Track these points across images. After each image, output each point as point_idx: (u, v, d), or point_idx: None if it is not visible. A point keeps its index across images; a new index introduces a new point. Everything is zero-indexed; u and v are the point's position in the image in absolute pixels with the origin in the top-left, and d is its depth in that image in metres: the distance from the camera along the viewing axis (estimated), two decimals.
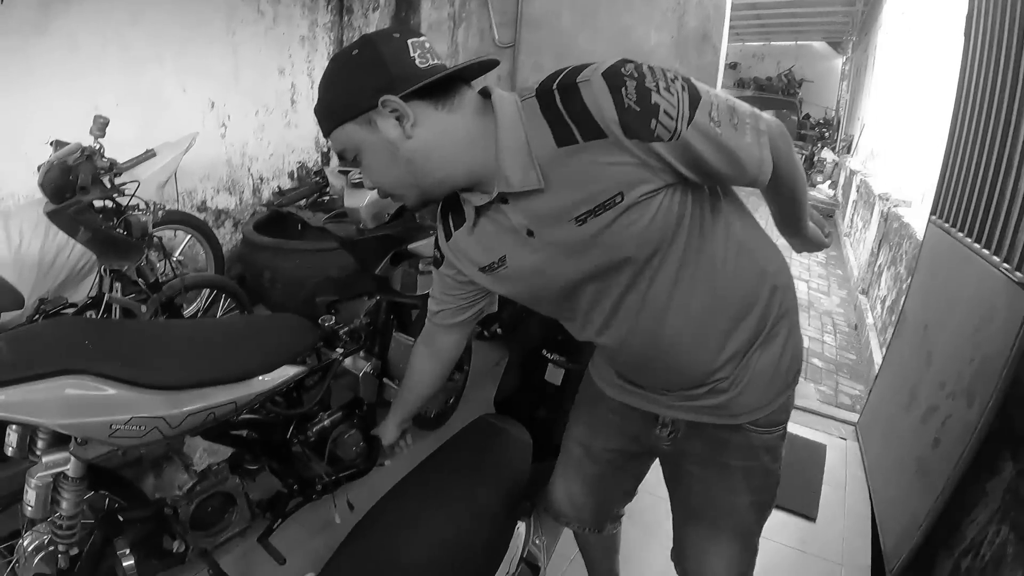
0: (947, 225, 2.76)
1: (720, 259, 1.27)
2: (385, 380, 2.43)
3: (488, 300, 1.51)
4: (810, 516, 2.72)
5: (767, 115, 1.21)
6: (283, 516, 2.23)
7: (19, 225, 2.77)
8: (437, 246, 1.44)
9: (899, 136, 6.53)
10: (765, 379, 1.38)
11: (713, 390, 1.37)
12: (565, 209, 1.15)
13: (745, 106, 1.17)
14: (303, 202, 3.67)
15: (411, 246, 2.28)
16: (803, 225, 1.46)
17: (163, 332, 1.95)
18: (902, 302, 3.40)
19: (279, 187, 4.34)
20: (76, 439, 1.63)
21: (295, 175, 4.59)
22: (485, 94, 1.21)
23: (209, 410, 1.77)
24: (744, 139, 1.14)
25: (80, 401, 1.57)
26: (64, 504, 1.70)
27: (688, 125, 1.07)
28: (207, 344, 1.92)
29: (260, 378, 1.90)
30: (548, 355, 2.40)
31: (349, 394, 2.43)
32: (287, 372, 1.98)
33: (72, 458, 1.66)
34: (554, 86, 1.11)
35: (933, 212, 2.95)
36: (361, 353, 2.38)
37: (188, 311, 3.46)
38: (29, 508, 1.66)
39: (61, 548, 1.75)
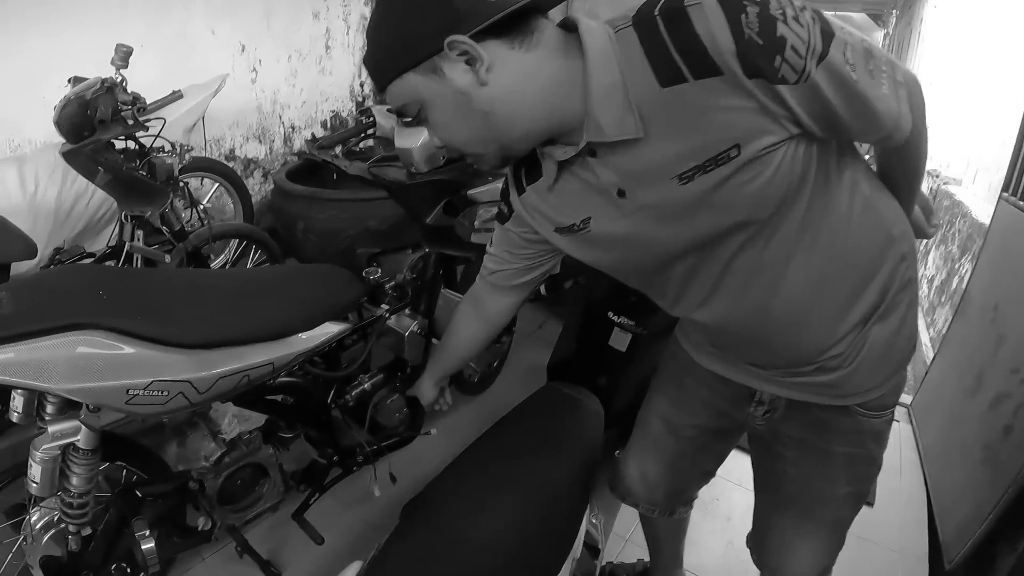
0: (1022, 203, 2.57)
1: (844, 220, 1.06)
2: (435, 342, 2.15)
3: (555, 262, 1.33)
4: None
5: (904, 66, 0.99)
6: (321, 490, 1.98)
7: (34, 170, 2.54)
8: (505, 199, 1.25)
9: (947, 114, 6.14)
10: (880, 357, 1.18)
11: (822, 367, 1.17)
12: (667, 164, 0.95)
13: (882, 51, 0.94)
14: (338, 149, 3.36)
15: (471, 192, 1.98)
16: (912, 205, 1.22)
17: (190, 282, 1.67)
18: (960, 282, 3.22)
19: (313, 134, 4.03)
20: (87, 406, 1.38)
21: (328, 124, 4.28)
22: (569, 27, 0.99)
23: (243, 372, 1.49)
24: (881, 88, 0.93)
25: (92, 361, 1.29)
26: (74, 479, 1.45)
27: (818, 65, 0.86)
28: (241, 297, 1.64)
29: (300, 336, 1.62)
30: (615, 318, 2.11)
31: (390, 355, 2.16)
32: (330, 329, 1.69)
33: (83, 427, 1.40)
34: (656, 12, 0.89)
35: (1005, 189, 2.73)
36: (407, 311, 2.10)
37: (215, 263, 3.17)
38: (34, 484, 1.41)
39: (72, 528, 1.50)
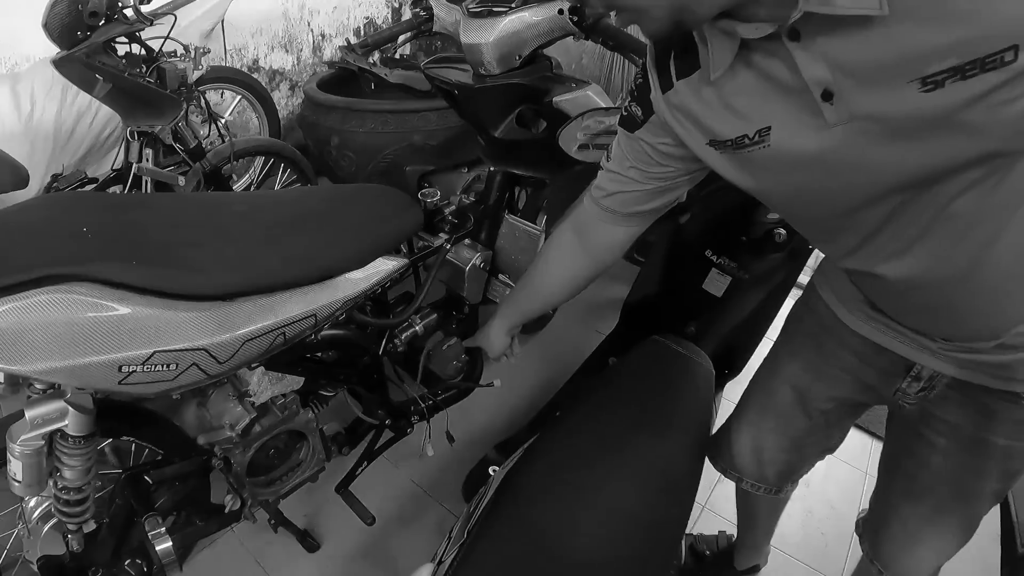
0: None
1: None
2: (500, 277, 1.73)
3: (691, 186, 1.05)
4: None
5: None
6: (370, 457, 1.60)
7: (30, 88, 2.13)
8: (638, 98, 0.95)
9: None
10: None
11: (1006, 345, 0.91)
12: (910, 59, 0.65)
13: None
14: (375, 57, 2.88)
15: (557, 99, 1.52)
16: None
17: (204, 211, 1.23)
18: None
19: (347, 40, 3.48)
20: None
21: (361, 32, 3.71)
22: None
23: (277, 330, 1.09)
24: None
25: (71, 329, 0.89)
26: (66, 472, 1.07)
27: None
28: (271, 228, 1.22)
29: (348, 276, 1.22)
30: (714, 258, 1.68)
31: (442, 291, 1.76)
32: (384, 266, 1.28)
33: (71, 409, 1.01)
34: None
35: None
36: (466, 241, 1.68)
37: (238, 185, 2.73)
38: (16, 484, 1.04)
39: (71, 526, 1.14)
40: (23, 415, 1.00)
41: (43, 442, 1.02)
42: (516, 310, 1.42)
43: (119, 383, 0.94)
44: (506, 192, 1.74)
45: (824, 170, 0.77)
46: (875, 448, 1.23)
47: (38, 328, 0.87)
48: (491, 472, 1.64)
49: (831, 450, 1.29)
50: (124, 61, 1.91)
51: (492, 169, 1.70)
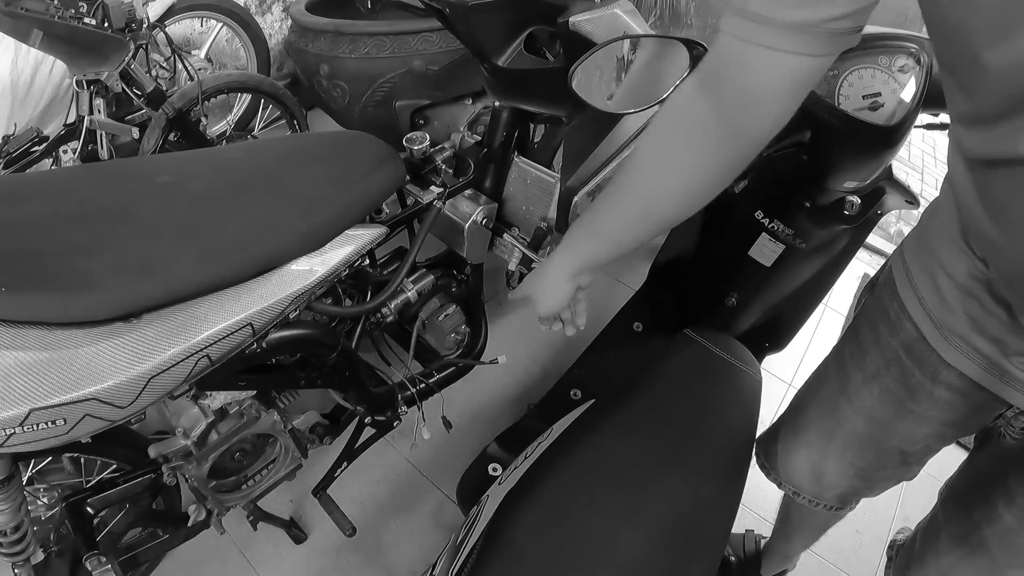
0: None
1: None
2: (507, 236, 1.44)
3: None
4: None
5: None
6: (350, 458, 1.36)
7: None
8: None
9: None
10: None
11: None
12: None
13: None
14: None
15: (575, 19, 1.15)
16: None
17: (114, 191, 0.94)
18: None
19: None
20: None
21: None
22: None
23: (197, 354, 0.82)
24: None
25: None
26: None
27: None
28: (198, 205, 0.93)
29: (297, 265, 0.94)
30: (765, 222, 1.35)
31: (437, 246, 1.48)
32: (349, 243, 1.00)
33: None
34: None
35: None
36: (467, 191, 1.37)
37: (215, 129, 2.39)
38: None
39: (17, 562, 0.96)
40: None
41: None
42: (599, 240, 0.85)
43: (0, 445, 0.70)
44: (515, 131, 1.42)
45: None
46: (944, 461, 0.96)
47: None
48: (491, 472, 1.41)
49: (904, 481, 1.01)
50: (55, 2, 1.59)
51: (498, 105, 1.37)
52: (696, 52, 1.02)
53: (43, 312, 0.73)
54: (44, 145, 1.74)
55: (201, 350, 0.82)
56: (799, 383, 1.78)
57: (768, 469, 1.12)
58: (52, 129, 1.82)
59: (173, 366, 0.80)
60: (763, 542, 1.43)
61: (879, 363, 0.88)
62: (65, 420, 0.74)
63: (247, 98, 2.33)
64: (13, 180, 1.02)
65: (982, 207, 0.60)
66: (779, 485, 1.11)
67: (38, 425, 0.73)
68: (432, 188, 1.29)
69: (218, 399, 1.11)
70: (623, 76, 1.17)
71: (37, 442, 0.75)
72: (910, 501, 1.60)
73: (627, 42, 1.12)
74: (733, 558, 1.42)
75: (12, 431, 0.71)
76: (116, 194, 0.93)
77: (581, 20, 1.16)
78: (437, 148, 1.32)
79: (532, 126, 1.54)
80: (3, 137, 1.72)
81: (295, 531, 1.43)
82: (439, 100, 1.51)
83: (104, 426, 0.79)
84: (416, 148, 1.25)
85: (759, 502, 1.54)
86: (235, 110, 2.41)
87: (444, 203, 1.29)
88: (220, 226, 0.90)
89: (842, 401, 0.94)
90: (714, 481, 0.97)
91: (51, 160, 1.77)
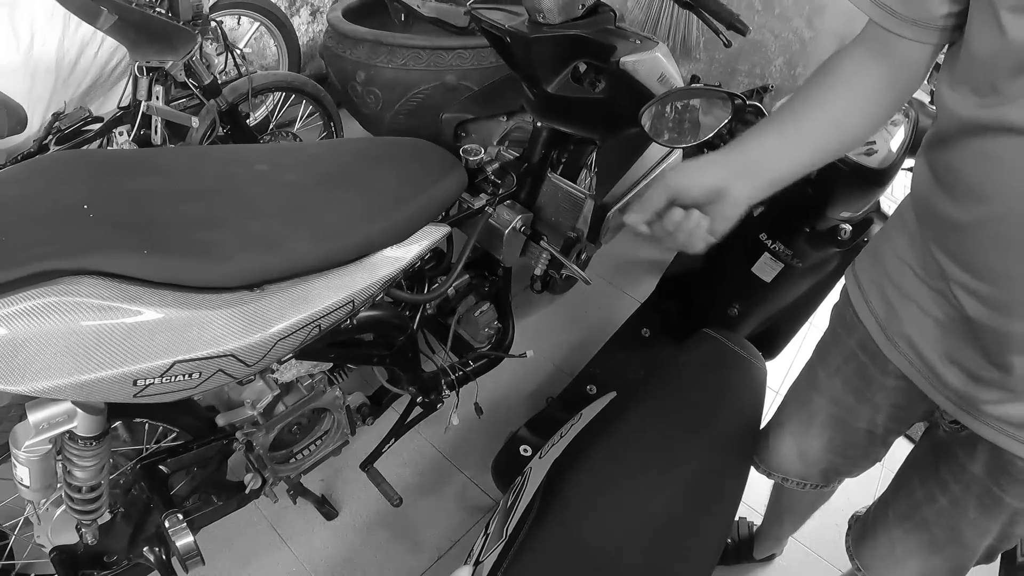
0: None
1: None
2: (542, 243, 1.53)
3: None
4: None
5: None
6: (398, 434, 1.43)
7: (29, 17, 1.85)
8: None
9: None
10: None
11: None
12: None
13: None
14: None
15: (624, 59, 1.27)
16: None
17: (221, 173, 1.00)
18: None
19: None
20: None
21: None
22: None
23: (312, 323, 0.89)
24: None
25: (73, 339, 0.70)
26: (78, 473, 0.91)
27: None
28: (298, 194, 1.00)
29: (389, 252, 1.02)
30: (768, 242, 1.49)
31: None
32: (427, 237, 1.09)
33: (79, 411, 0.83)
34: None
35: None
36: (507, 201, 1.46)
37: (252, 122, 2.40)
38: (24, 488, 0.88)
39: (85, 522, 0.98)
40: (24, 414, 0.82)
41: (51, 446, 0.86)
42: (783, 140, 0.79)
43: (134, 396, 0.76)
44: (551, 150, 1.52)
45: None
46: (897, 444, 1.09)
47: (35, 339, 0.69)
48: (522, 452, 1.49)
49: (878, 460, 1.14)
50: None
51: (539, 125, 1.47)
52: (736, 103, 1.13)
53: (181, 275, 0.78)
54: (98, 126, 1.74)
55: (315, 320, 0.89)
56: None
57: (759, 463, 1.21)
58: (94, 110, 1.81)
59: (295, 332, 0.86)
60: (755, 527, 1.55)
61: (839, 360, 1.00)
62: (200, 373, 0.80)
63: (280, 95, 2.38)
64: (118, 155, 1.06)
65: (949, 197, 0.71)
66: (769, 475, 1.21)
67: (176, 377, 0.78)
68: (482, 195, 1.38)
69: (286, 374, 1.16)
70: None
71: (166, 394, 0.80)
72: None
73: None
74: (728, 541, 1.54)
75: (151, 381, 0.76)
76: (220, 177, 0.99)
77: (630, 61, 1.28)
78: (488, 159, 1.41)
79: (563, 146, 1.66)
80: (53, 114, 1.71)
81: (327, 508, 1.47)
82: (480, 116, 1.60)
83: (228, 382, 0.85)
84: (472, 159, 1.33)
85: (748, 495, 1.66)
86: (264, 107, 2.44)
87: (493, 210, 1.38)
88: (323, 212, 0.97)
89: (813, 394, 1.06)
90: (729, 452, 1.12)
91: (103, 141, 1.77)
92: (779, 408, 1.17)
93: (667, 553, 0.97)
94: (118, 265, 0.74)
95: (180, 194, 0.91)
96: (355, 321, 1.05)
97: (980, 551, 0.96)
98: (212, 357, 0.79)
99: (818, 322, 2.23)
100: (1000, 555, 1.48)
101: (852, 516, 1.20)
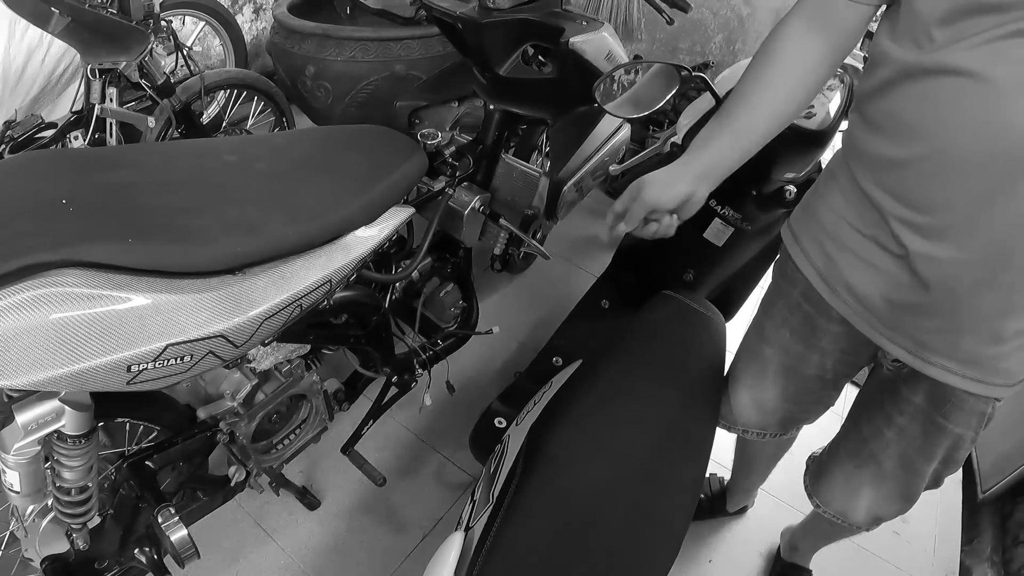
0: None
1: None
2: (502, 221, 1.56)
3: None
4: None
5: None
6: (376, 415, 1.45)
7: None
8: None
9: None
10: None
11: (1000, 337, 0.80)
12: None
13: None
14: None
15: (574, 40, 1.31)
16: None
17: (192, 164, 1.00)
18: None
19: None
20: None
21: None
22: None
23: (295, 303, 0.91)
24: None
25: (65, 329, 0.70)
26: (67, 474, 0.90)
27: None
28: (269, 181, 1.01)
29: (360, 233, 1.04)
30: (718, 208, 1.55)
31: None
32: (394, 218, 1.11)
33: (67, 408, 0.82)
34: None
35: None
36: (464, 183, 1.49)
37: (204, 120, 2.38)
38: (13, 493, 0.87)
39: (76, 526, 0.97)
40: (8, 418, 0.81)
41: (40, 447, 0.84)
42: (735, 136, 0.90)
43: (128, 383, 0.76)
44: (504, 132, 1.55)
45: None
46: (849, 393, 1.18)
47: (27, 332, 0.68)
48: (497, 424, 1.52)
49: (830, 405, 1.21)
50: None
51: (491, 107, 1.50)
52: (683, 74, 1.19)
53: (166, 261, 0.79)
54: (52, 132, 1.68)
55: (297, 300, 0.91)
56: None
57: (722, 418, 1.28)
58: (43, 116, 1.76)
59: (279, 311, 0.88)
60: (725, 481, 1.62)
61: (785, 311, 1.06)
62: (192, 356, 0.80)
63: (224, 93, 2.34)
64: (88, 153, 1.05)
65: (888, 139, 0.78)
66: (730, 429, 1.28)
67: (168, 361, 0.79)
68: (441, 178, 1.40)
69: (264, 363, 1.17)
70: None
71: (160, 379, 0.81)
72: None
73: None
74: (701, 497, 1.61)
75: (145, 366, 0.77)
76: (192, 168, 0.99)
77: (579, 41, 1.33)
78: (444, 144, 1.44)
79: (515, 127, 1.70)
80: (5, 123, 1.65)
81: (309, 498, 1.47)
82: (433, 102, 1.62)
83: (215, 365, 0.85)
84: (430, 143, 1.36)
85: (715, 452, 1.74)
86: (213, 105, 2.38)
87: (453, 191, 1.41)
88: (297, 196, 0.98)
89: (763, 346, 1.12)
90: (697, 402, 1.17)
91: (57, 147, 1.72)
92: (732, 364, 1.24)
93: (650, 496, 1.02)
94: (103, 255, 0.74)
95: (156, 185, 0.90)
96: (332, 302, 1.07)
97: (927, 476, 1.03)
98: (203, 339, 0.79)
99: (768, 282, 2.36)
100: (963, 492, 1.60)
101: (809, 457, 1.27)
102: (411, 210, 1.18)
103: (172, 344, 0.77)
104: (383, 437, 1.64)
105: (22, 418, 0.80)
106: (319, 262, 0.96)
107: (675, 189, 0.90)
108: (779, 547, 1.57)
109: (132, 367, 0.76)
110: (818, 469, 1.20)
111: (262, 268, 0.88)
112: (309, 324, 1.11)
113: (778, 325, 1.08)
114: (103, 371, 0.74)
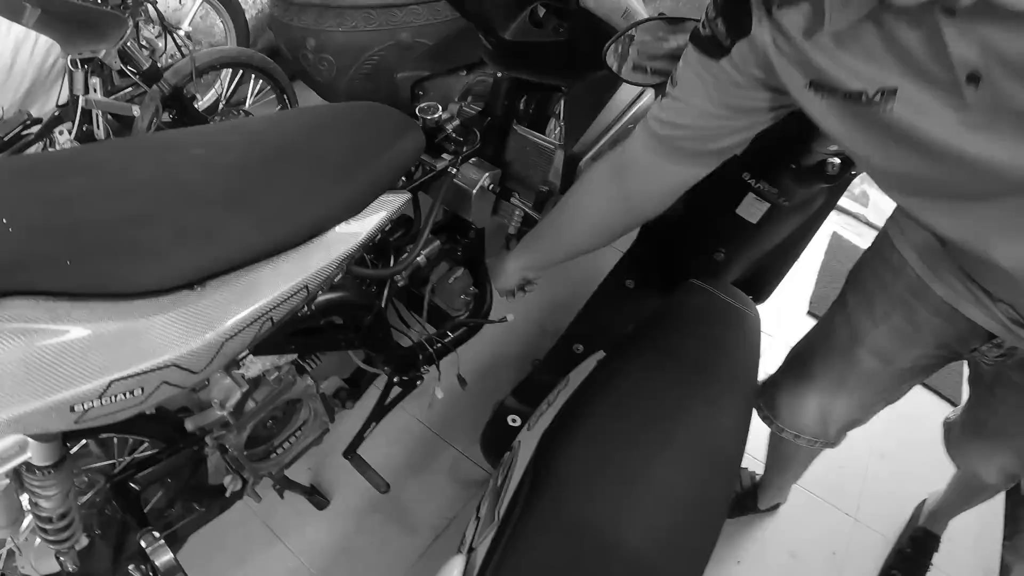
0: None
1: None
2: (513, 200, 1.43)
3: (775, 120, 0.80)
4: (954, 401, 1.99)
5: None
6: (378, 417, 1.35)
7: None
8: (721, 13, 0.71)
9: None
10: None
11: None
12: None
13: None
14: None
15: None
16: None
17: (151, 162, 0.88)
18: None
19: None
20: None
21: None
22: None
23: (263, 317, 0.80)
24: None
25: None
26: (45, 504, 0.83)
27: None
28: (240, 174, 0.89)
29: (343, 228, 0.92)
30: (752, 182, 1.39)
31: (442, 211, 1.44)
32: (384, 208, 0.99)
33: (30, 441, 0.75)
34: None
35: None
36: (472, 159, 1.36)
37: (202, 104, 2.27)
38: None
39: (62, 549, 0.91)
40: None
41: (8, 480, 0.78)
42: (538, 251, 1.16)
43: (76, 422, 0.68)
44: (515, 101, 1.41)
45: (951, 159, 0.59)
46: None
47: None
48: (511, 422, 1.42)
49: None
50: None
51: (499, 75, 1.35)
52: None
53: (110, 283, 0.70)
54: (38, 128, 1.61)
55: (266, 313, 0.80)
56: (781, 334, 1.88)
57: (771, 419, 1.18)
58: (36, 111, 1.69)
59: (243, 330, 0.77)
60: (757, 477, 1.50)
61: (887, 306, 0.97)
62: (143, 389, 0.71)
63: (227, 73, 2.22)
64: (41, 158, 0.95)
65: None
66: (780, 432, 1.17)
67: (116, 396, 0.69)
68: (444, 156, 1.27)
69: (252, 369, 1.07)
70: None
71: (112, 415, 0.72)
72: (884, 438, 1.72)
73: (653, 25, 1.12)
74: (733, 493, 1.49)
75: (91, 404, 0.68)
76: (153, 166, 0.88)
77: None
78: (447, 117, 1.30)
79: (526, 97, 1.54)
80: None
81: (317, 497, 1.41)
82: (437, 72, 1.48)
83: (176, 393, 0.76)
84: (429, 118, 1.22)
85: (749, 444, 1.61)
86: (216, 86, 2.28)
87: (456, 170, 1.28)
88: (266, 193, 0.87)
89: (855, 346, 1.02)
90: (727, 410, 1.02)
91: (44, 143, 1.65)
92: (799, 360, 1.13)
93: (671, 524, 0.91)
94: (39, 281, 0.65)
95: (107, 192, 0.80)
96: (313, 307, 0.96)
97: None
98: (152, 370, 0.70)
99: (807, 260, 2.17)
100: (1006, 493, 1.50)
101: (944, 421, 1.25)
102: (406, 196, 1.05)
103: (117, 379, 0.68)
104: (394, 430, 1.56)
105: None
106: (293, 267, 0.84)
107: (511, 281, 1.23)
108: (916, 512, 1.56)
109: (75, 407, 0.67)
110: (958, 438, 1.18)
111: (224, 280, 0.78)
112: (290, 333, 1.00)
113: (877, 322, 0.99)
114: (45, 413, 0.65)
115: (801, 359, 1.13)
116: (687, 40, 0.96)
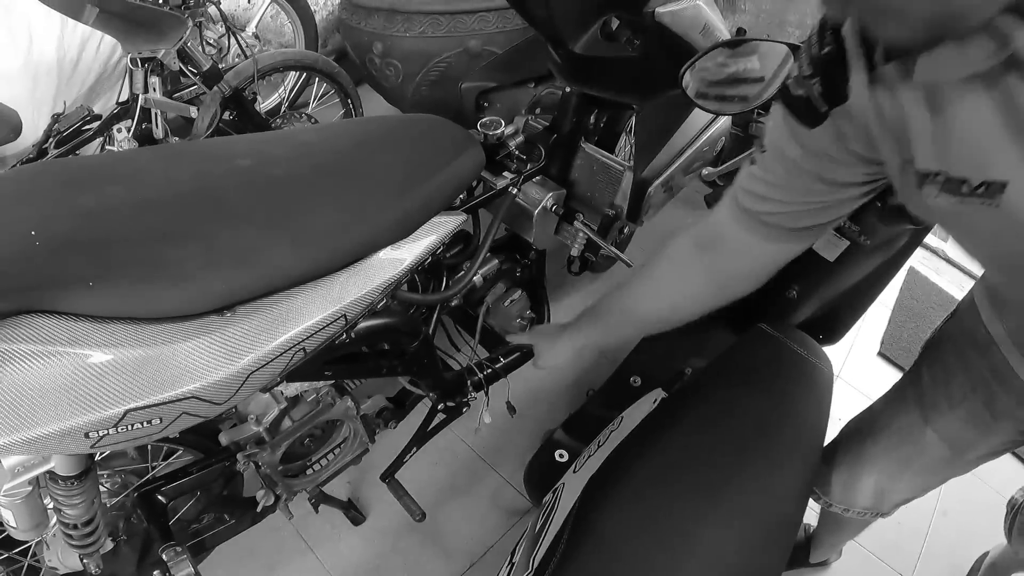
0: None
1: None
2: (577, 224, 1.34)
3: (876, 193, 0.67)
4: None
5: None
6: (420, 442, 1.28)
7: (26, 19, 1.73)
8: (818, 73, 0.58)
9: None
10: None
11: None
12: None
13: None
14: None
15: (659, 10, 1.05)
16: None
17: (193, 175, 0.83)
18: None
19: None
20: None
21: None
22: None
23: (295, 347, 0.74)
24: None
25: (13, 394, 0.59)
26: (68, 511, 0.81)
27: None
28: (284, 190, 0.83)
29: (389, 252, 0.85)
30: None
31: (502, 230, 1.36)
32: (436, 230, 0.92)
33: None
34: None
35: None
36: (536, 177, 1.27)
37: (265, 106, 2.25)
38: (13, 529, 0.79)
39: (86, 553, 0.89)
40: None
41: (31, 487, 0.76)
42: (601, 330, 0.99)
43: (91, 447, 0.65)
44: (584, 117, 1.32)
45: None
46: None
47: None
48: (558, 458, 1.33)
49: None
50: None
51: (568, 90, 1.26)
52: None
53: (134, 307, 0.66)
54: (97, 124, 1.63)
55: (298, 343, 0.74)
56: (848, 375, 1.73)
57: (818, 495, 1.08)
58: (100, 107, 1.72)
59: (272, 360, 0.72)
60: (811, 529, 1.38)
61: (967, 388, 0.85)
62: (161, 419, 0.67)
63: (292, 75, 2.21)
64: (82, 163, 0.91)
65: None
66: (828, 507, 1.08)
67: (133, 425, 0.65)
68: (505, 174, 1.19)
69: (292, 387, 1.03)
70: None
71: (129, 442, 0.68)
72: (947, 495, 1.55)
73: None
74: None
75: (105, 432, 0.64)
76: (194, 178, 0.83)
77: (666, 11, 1.06)
78: (510, 133, 1.22)
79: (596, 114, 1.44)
80: (53, 116, 1.62)
81: (353, 513, 1.36)
82: (504, 83, 1.40)
83: (198, 422, 0.71)
84: (491, 133, 1.15)
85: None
86: (281, 88, 2.28)
87: (518, 190, 1.20)
88: (309, 213, 0.81)
89: (927, 431, 0.90)
90: (788, 476, 0.94)
91: (104, 139, 1.66)
92: (859, 434, 1.02)
93: None
94: (60, 301, 0.62)
95: (142, 204, 0.76)
96: (352, 335, 0.90)
97: None
98: (170, 402, 0.65)
99: (881, 297, 1.99)
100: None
101: (1009, 504, 1.15)
102: (462, 217, 0.98)
103: (133, 409, 0.63)
104: (437, 450, 1.50)
105: (7, 462, 0.71)
106: (331, 293, 0.79)
107: (560, 359, 1.04)
108: (975, 565, 1.43)
109: (90, 433, 0.63)
110: (1016, 516, 1.10)
111: (255, 306, 0.72)
112: (324, 361, 0.94)
113: (954, 404, 0.87)
114: (58, 438, 0.62)
115: (861, 436, 1.01)
116: (753, 65, 0.84)
